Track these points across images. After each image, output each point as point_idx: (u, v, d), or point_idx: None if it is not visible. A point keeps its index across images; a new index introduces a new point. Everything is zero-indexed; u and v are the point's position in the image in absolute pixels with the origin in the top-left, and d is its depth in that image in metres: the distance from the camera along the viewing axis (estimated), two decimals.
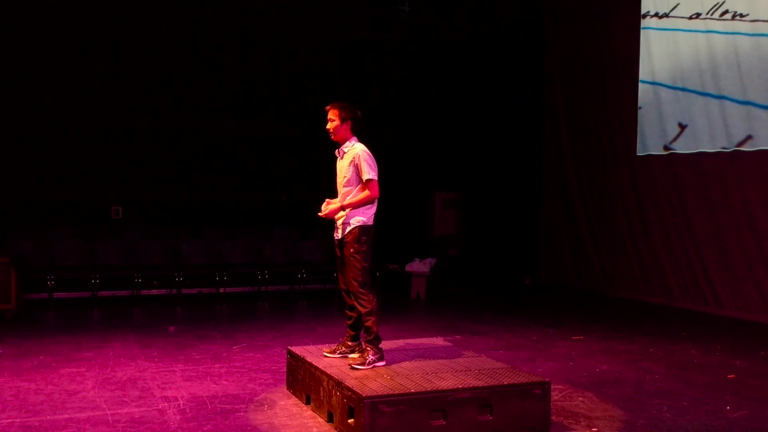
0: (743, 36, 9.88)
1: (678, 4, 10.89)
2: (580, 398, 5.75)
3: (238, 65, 13.10)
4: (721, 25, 10.19)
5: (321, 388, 5.15)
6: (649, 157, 11.35)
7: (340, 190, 5.53)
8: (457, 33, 14.09)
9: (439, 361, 5.51)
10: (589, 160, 12.56)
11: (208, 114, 12.92)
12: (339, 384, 4.86)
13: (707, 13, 10.41)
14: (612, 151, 12.05)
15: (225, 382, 6.10)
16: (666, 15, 11.09)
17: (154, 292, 11.01)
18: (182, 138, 12.78)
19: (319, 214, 5.47)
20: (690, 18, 10.69)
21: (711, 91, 10.33)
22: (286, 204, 13.27)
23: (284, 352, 6.26)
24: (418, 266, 11.55)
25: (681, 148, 10.81)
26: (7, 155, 11.67)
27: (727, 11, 10.13)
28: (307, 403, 5.42)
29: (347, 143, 5.52)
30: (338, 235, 5.51)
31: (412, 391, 4.66)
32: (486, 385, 4.84)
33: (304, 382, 5.48)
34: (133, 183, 12.46)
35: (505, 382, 4.91)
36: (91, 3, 12.01)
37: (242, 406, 5.43)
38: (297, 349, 5.84)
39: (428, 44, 14.12)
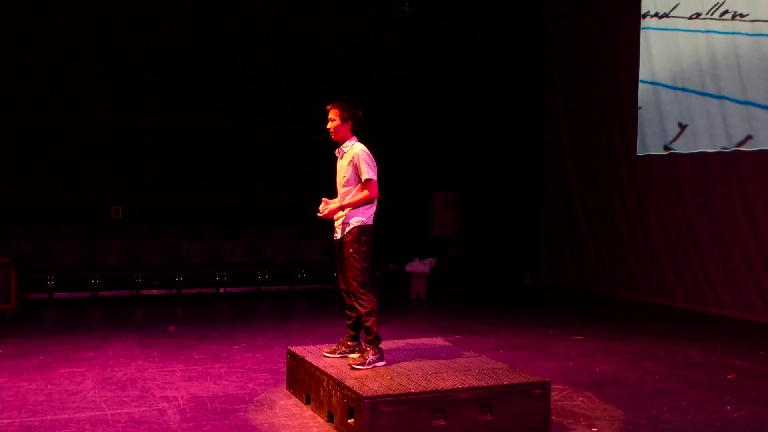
0: (743, 36, 9.89)
1: (678, 4, 10.90)
2: (580, 398, 5.75)
3: (238, 65, 13.09)
4: (721, 25, 10.19)
5: (321, 388, 5.15)
6: (649, 157, 11.35)
7: (340, 190, 5.52)
8: (457, 33, 14.08)
9: (439, 361, 5.51)
10: (589, 160, 12.57)
11: (208, 114, 12.91)
12: (339, 384, 4.86)
13: (707, 13, 10.41)
14: (612, 151, 12.06)
15: (225, 382, 6.10)
16: (666, 15, 11.09)
17: (154, 292, 11.01)
18: (182, 138, 12.77)
19: (318, 214, 5.47)
20: (690, 18, 10.69)
21: (711, 91, 10.33)
22: (286, 204, 13.26)
23: (284, 352, 6.26)
24: (418, 266, 11.55)
25: (681, 148, 10.82)
26: (7, 155, 11.66)
27: (727, 11, 10.13)
28: (307, 403, 5.42)
29: (347, 143, 5.52)
30: (337, 235, 5.52)
31: (412, 391, 4.66)
32: (486, 385, 4.84)
33: (304, 382, 5.48)
34: (133, 183, 12.45)
35: (505, 382, 4.91)
36: (92, 3, 12.01)
37: (242, 406, 5.43)
38: (297, 349, 5.84)
39: (428, 44, 14.12)
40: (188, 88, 12.73)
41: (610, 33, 12.07)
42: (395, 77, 14.01)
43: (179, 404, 5.44)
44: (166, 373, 6.38)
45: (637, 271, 11.56)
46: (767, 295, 9.53)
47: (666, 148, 11.06)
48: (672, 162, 10.94)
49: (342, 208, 5.42)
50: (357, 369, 5.18)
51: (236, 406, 5.40)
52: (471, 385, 4.80)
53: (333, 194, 5.61)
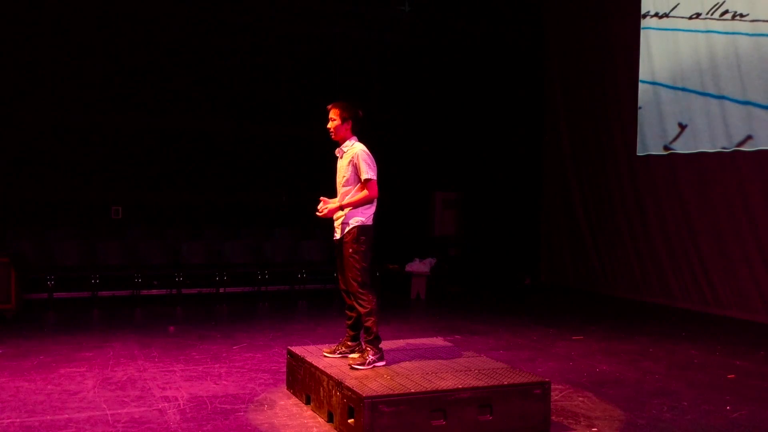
0: (743, 36, 9.89)
1: (678, 4, 10.90)
2: (580, 398, 5.75)
3: (238, 65, 13.09)
4: (721, 25, 10.19)
5: (321, 388, 5.15)
6: (649, 157, 11.35)
7: (339, 189, 5.52)
8: (457, 33, 14.08)
9: (439, 361, 5.51)
10: (589, 160, 12.57)
11: (208, 114, 12.91)
12: (339, 384, 4.86)
13: (707, 13, 10.41)
14: (612, 151, 12.05)
15: (225, 382, 6.10)
16: (666, 15, 11.09)
17: (154, 292, 11.00)
18: (182, 138, 12.77)
19: (317, 213, 5.47)
20: (690, 18, 10.69)
21: (711, 91, 10.33)
22: (286, 204, 13.26)
23: (284, 352, 6.26)
24: (418, 266, 11.55)
25: (681, 148, 10.82)
26: (7, 155, 11.66)
27: (727, 11, 10.13)
28: (307, 403, 5.42)
29: (347, 143, 5.52)
30: (337, 235, 5.52)
31: (412, 391, 4.66)
32: (486, 385, 4.84)
33: (304, 382, 5.48)
34: (133, 183, 12.45)
35: (505, 382, 4.91)
36: (92, 3, 12.01)
37: (242, 406, 5.43)
38: (297, 349, 5.84)
39: (428, 44, 14.12)
40: (188, 88, 12.73)
41: (610, 33, 12.07)
42: (395, 77, 14.01)
43: (179, 404, 5.44)
44: (166, 373, 6.38)
45: (637, 271, 11.56)
46: (767, 295, 9.53)
47: (666, 148, 11.06)
48: (672, 162, 10.94)
49: (341, 207, 5.42)
50: (357, 369, 5.18)
51: (236, 406, 5.40)
52: (471, 385, 4.80)
53: (333, 194, 5.61)
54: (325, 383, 5.09)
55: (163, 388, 5.87)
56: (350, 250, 5.37)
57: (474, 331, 8.71)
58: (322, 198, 5.50)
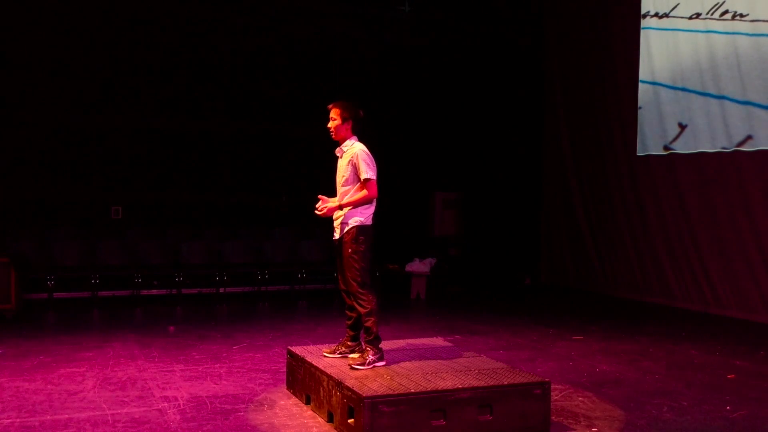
0: (743, 36, 9.88)
1: (678, 4, 10.89)
2: (580, 398, 5.75)
3: (238, 65, 13.09)
4: (721, 25, 10.19)
5: (321, 388, 5.15)
6: (649, 157, 11.35)
7: (339, 189, 5.52)
8: (457, 33, 14.08)
9: (439, 361, 5.51)
10: (589, 160, 12.57)
11: (208, 114, 12.92)
12: (339, 384, 4.86)
13: (707, 13, 10.41)
14: (612, 152, 12.05)
15: (225, 382, 6.10)
16: (666, 15, 11.09)
17: (154, 292, 11.01)
18: (182, 138, 12.77)
19: (316, 212, 5.47)
20: (690, 18, 10.69)
21: (711, 91, 10.33)
22: (286, 204, 13.26)
23: (284, 352, 6.26)
24: (418, 266, 11.55)
25: (681, 148, 10.81)
26: (7, 155, 11.66)
27: (727, 11, 10.13)
28: (307, 403, 5.42)
29: (347, 142, 5.52)
30: (336, 235, 5.52)
31: (412, 391, 4.66)
32: (486, 385, 4.84)
33: (304, 382, 5.48)
34: (133, 183, 12.45)
35: (505, 382, 4.91)
36: (92, 3, 12.01)
37: (242, 406, 5.43)
38: (297, 349, 5.84)
39: (428, 44, 14.12)
40: (188, 88, 12.73)
41: (610, 33, 12.07)
42: (395, 77, 14.01)
43: (179, 404, 5.44)
44: (166, 373, 6.38)
45: (637, 271, 11.55)
46: (767, 295, 9.52)
47: (666, 148, 11.06)
48: (672, 162, 10.94)
49: (341, 207, 5.42)
50: (357, 369, 5.18)
51: (236, 406, 5.40)
52: (471, 385, 4.80)
53: (333, 194, 5.60)
54: (325, 383, 5.09)
55: (163, 388, 5.87)
56: (349, 251, 5.37)
57: (474, 331, 8.71)
58: (320, 196, 5.50)
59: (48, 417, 5.09)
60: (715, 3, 10.30)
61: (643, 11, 11.45)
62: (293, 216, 12.91)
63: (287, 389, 5.86)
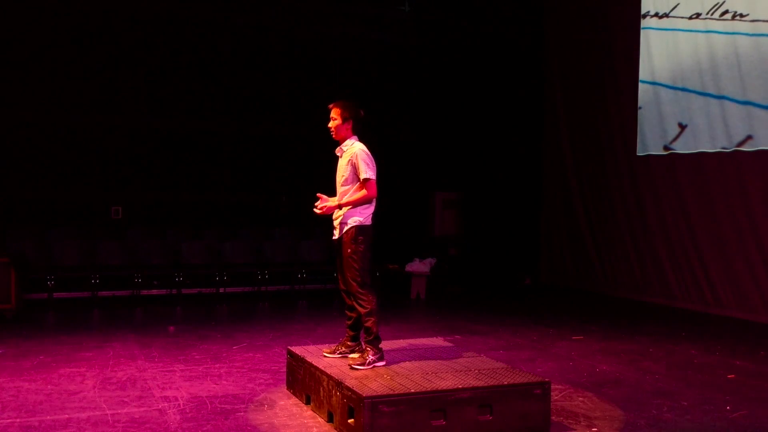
0: (743, 36, 9.88)
1: (678, 4, 10.89)
2: (580, 398, 5.75)
3: (238, 65, 13.10)
4: (721, 25, 10.19)
5: (321, 388, 5.15)
6: (649, 157, 11.34)
7: (339, 189, 5.51)
8: (457, 33, 14.08)
9: (439, 361, 5.51)
10: (589, 160, 12.57)
11: (208, 114, 12.92)
12: (339, 384, 4.86)
13: (707, 13, 10.41)
14: (612, 151, 12.05)
15: (225, 382, 6.10)
16: (666, 15, 11.09)
17: (154, 292, 11.01)
18: (182, 138, 12.77)
19: (315, 210, 5.46)
20: (690, 18, 10.69)
21: (711, 91, 10.33)
22: (286, 204, 13.26)
23: (284, 352, 6.26)
24: (418, 266, 11.55)
25: (681, 148, 10.81)
26: (7, 155, 11.67)
27: (727, 11, 10.13)
28: (307, 403, 5.42)
29: (347, 142, 5.52)
30: (335, 234, 5.51)
31: (412, 391, 4.66)
32: (486, 385, 4.84)
33: (304, 382, 5.48)
34: (133, 183, 12.46)
35: (505, 382, 4.91)
36: (92, 3, 12.01)
37: (242, 406, 5.43)
38: (297, 349, 5.84)
39: (428, 44, 14.13)
40: (188, 88, 12.73)
41: (610, 33, 12.07)
42: (395, 77, 14.02)
43: (179, 404, 5.44)
44: (166, 373, 6.38)
45: (637, 271, 11.55)
46: (767, 295, 9.52)
47: (666, 148, 11.06)
48: (672, 162, 10.94)
49: (340, 206, 5.42)
50: (357, 369, 5.18)
51: (236, 406, 5.40)
52: (471, 385, 4.80)
53: (333, 194, 5.60)
54: (325, 383, 5.09)
55: (163, 388, 5.87)
56: (348, 251, 5.37)
57: (474, 331, 8.71)
58: (319, 195, 5.49)
59: (48, 417, 5.09)
60: (715, 3, 10.30)
61: (643, 11, 11.45)
62: (293, 216, 12.92)
63: (287, 389, 5.86)
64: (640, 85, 11.47)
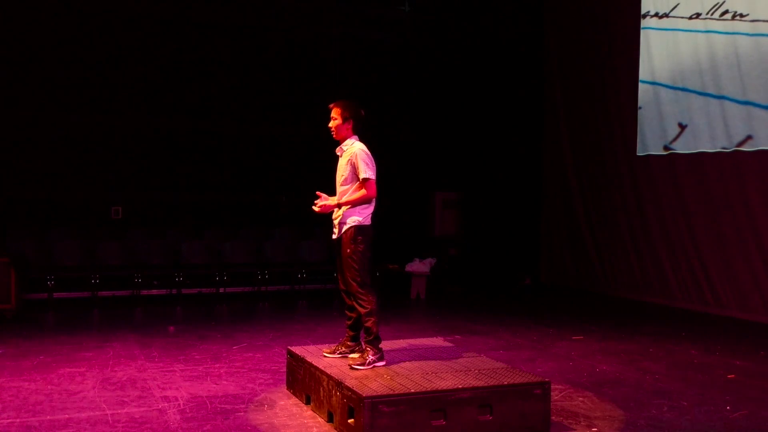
0: (743, 36, 9.88)
1: (678, 4, 10.90)
2: (580, 398, 5.75)
3: (238, 65, 13.09)
4: (721, 25, 10.19)
5: (321, 388, 5.15)
6: (649, 157, 11.34)
7: (338, 188, 5.51)
8: (457, 33, 14.09)
9: (439, 361, 5.51)
10: (589, 160, 12.57)
11: (207, 114, 12.92)
12: (339, 384, 4.86)
13: (707, 13, 10.41)
14: (612, 151, 12.05)
15: (225, 382, 6.10)
16: (666, 15, 11.09)
17: (154, 292, 11.01)
18: (182, 138, 12.78)
19: (314, 208, 5.46)
20: (690, 18, 10.69)
21: (711, 91, 10.33)
22: (286, 204, 13.26)
23: (284, 352, 6.26)
24: (418, 266, 11.55)
25: (681, 148, 10.81)
26: (7, 155, 11.66)
27: (727, 11, 10.13)
28: (307, 403, 5.42)
29: (347, 142, 5.52)
30: (335, 234, 5.51)
31: (412, 391, 4.66)
32: (486, 385, 4.84)
33: (304, 382, 5.48)
34: (133, 183, 12.46)
35: (505, 382, 4.91)
36: (92, 3, 12.01)
37: (242, 406, 5.43)
38: (297, 349, 5.84)
39: (428, 44, 14.12)
40: (188, 88, 12.73)
41: (610, 33, 12.07)
42: (395, 77, 14.02)
43: (179, 404, 5.44)
44: (166, 373, 6.38)
45: (637, 271, 11.55)
46: (767, 295, 9.52)
47: (666, 148, 11.06)
48: (672, 162, 10.94)
49: (339, 205, 5.42)
50: (357, 369, 5.18)
51: (236, 406, 5.40)
52: (471, 385, 4.80)
53: (333, 194, 5.60)
54: (325, 383, 5.09)
55: (163, 388, 5.87)
56: (348, 251, 5.36)
57: (474, 331, 8.71)
58: (319, 193, 5.49)
59: (48, 417, 5.09)
60: (715, 3, 10.30)
61: (643, 11, 11.45)
62: (293, 216, 12.91)
63: (287, 389, 5.86)
64: (640, 85, 11.47)
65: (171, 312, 10.00)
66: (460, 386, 4.77)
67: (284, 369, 6.11)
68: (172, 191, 12.68)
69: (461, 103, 14.03)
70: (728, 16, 10.10)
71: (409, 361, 5.50)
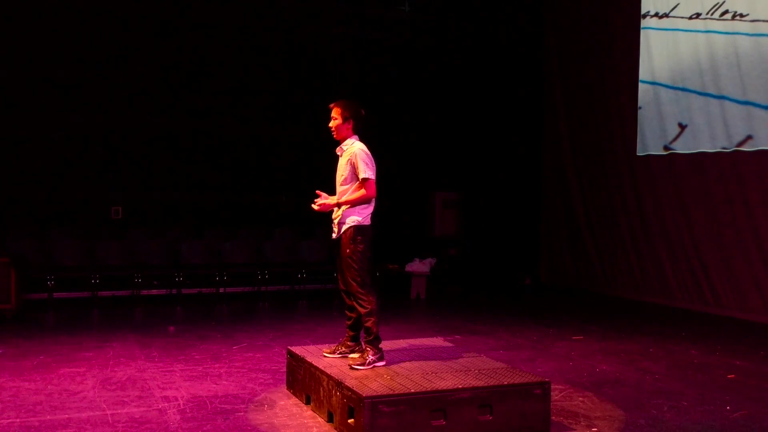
0: (743, 36, 9.89)
1: (678, 4, 10.90)
2: (580, 398, 5.75)
3: (238, 65, 13.10)
4: (721, 25, 10.19)
5: (321, 388, 5.15)
6: (649, 157, 11.35)
7: (338, 188, 5.51)
8: (457, 33, 14.09)
9: (439, 361, 5.51)
10: (589, 160, 12.57)
11: (207, 114, 12.92)
12: (339, 384, 4.86)
13: (707, 13, 10.41)
14: (612, 151, 12.05)
15: (225, 382, 6.10)
16: (666, 15, 11.09)
17: (154, 292, 11.01)
18: (182, 138, 12.78)
19: (313, 206, 5.46)
20: (690, 18, 10.69)
21: (711, 91, 10.33)
22: (286, 204, 13.26)
23: (284, 352, 6.26)
24: (418, 266, 11.55)
25: (681, 148, 10.81)
26: (7, 155, 11.66)
27: (727, 11, 10.13)
28: (307, 403, 5.42)
29: (347, 141, 5.52)
30: (334, 234, 5.51)
31: (412, 391, 4.66)
32: (486, 385, 4.84)
33: (304, 382, 5.47)
34: (133, 183, 12.46)
35: (505, 382, 4.91)
36: (92, 3, 12.01)
37: (242, 406, 5.42)
38: (297, 349, 5.83)
39: (428, 44, 14.12)
40: (188, 88, 12.73)
41: (610, 33, 12.07)
42: (395, 77, 14.02)
43: (179, 404, 5.44)
44: (166, 373, 6.38)
45: (637, 271, 11.55)
46: (767, 295, 9.52)
47: (666, 148, 11.06)
48: (672, 162, 10.94)
49: (338, 205, 5.41)
50: (357, 369, 5.18)
51: (236, 406, 5.40)
52: (471, 385, 4.80)
53: (333, 194, 5.59)
54: (325, 383, 5.09)
55: (163, 388, 5.87)
56: (347, 251, 5.36)
57: (474, 331, 8.71)
58: (319, 192, 5.49)
59: (48, 417, 5.09)
60: (715, 3, 10.30)
61: (643, 11, 11.45)
62: (293, 216, 12.91)
63: (287, 389, 5.86)
64: (640, 85, 11.47)
65: (171, 312, 9.99)
66: (460, 386, 4.77)
67: (284, 369, 6.10)
68: (172, 191, 12.68)
69: (461, 103, 14.04)
70: (728, 16, 10.10)
71: (409, 361, 5.50)
